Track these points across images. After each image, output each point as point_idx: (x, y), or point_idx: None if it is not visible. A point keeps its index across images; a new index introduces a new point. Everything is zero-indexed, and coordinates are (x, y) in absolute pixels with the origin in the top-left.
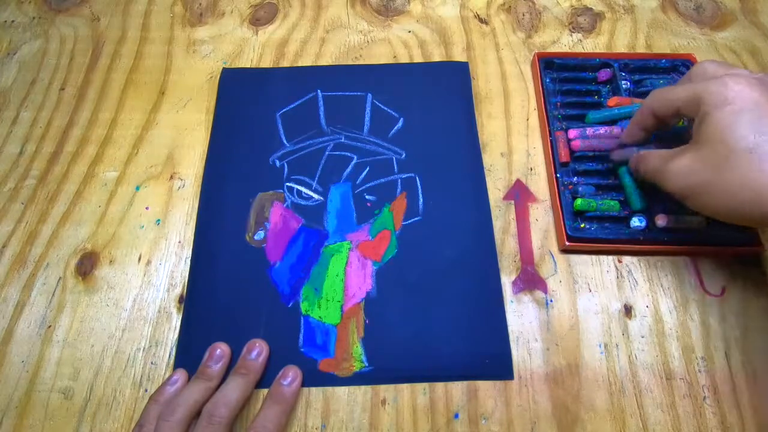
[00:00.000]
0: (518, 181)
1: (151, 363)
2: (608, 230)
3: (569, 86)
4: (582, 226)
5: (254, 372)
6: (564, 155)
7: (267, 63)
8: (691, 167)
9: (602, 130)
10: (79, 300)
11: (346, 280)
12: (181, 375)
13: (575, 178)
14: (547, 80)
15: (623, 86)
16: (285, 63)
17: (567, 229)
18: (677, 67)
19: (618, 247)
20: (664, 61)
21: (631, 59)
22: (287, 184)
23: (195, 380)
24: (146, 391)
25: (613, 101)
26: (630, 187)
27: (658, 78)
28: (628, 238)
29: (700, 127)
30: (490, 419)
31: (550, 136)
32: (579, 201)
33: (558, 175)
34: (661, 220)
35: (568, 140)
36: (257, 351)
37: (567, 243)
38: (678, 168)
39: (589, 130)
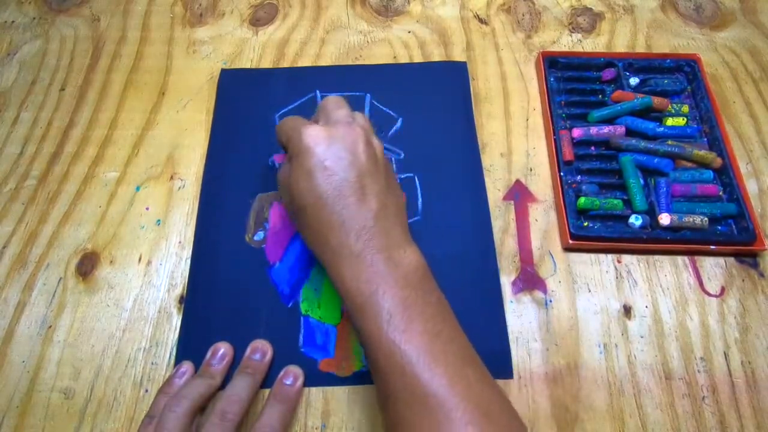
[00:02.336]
0: (518, 181)
1: (152, 363)
2: (611, 229)
3: (573, 85)
4: (585, 224)
5: (260, 372)
6: (568, 154)
7: (267, 63)
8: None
9: (606, 129)
10: (80, 300)
11: None
12: (188, 367)
13: (579, 177)
14: (551, 79)
15: (631, 84)
16: (285, 63)
17: (570, 227)
18: (682, 66)
19: (620, 245)
20: (668, 60)
21: (635, 59)
22: None
23: (199, 377)
24: (147, 391)
25: (616, 95)
26: (634, 186)
27: (662, 77)
28: (630, 237)
29: (291, 162)
30: None
31: (554, 135)
32: (582, 199)
33: (562, 174)
34: (664, 219)
35: (572, 139)
36: (262, 352)
37: (570, 241)
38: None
39: (593, 129)
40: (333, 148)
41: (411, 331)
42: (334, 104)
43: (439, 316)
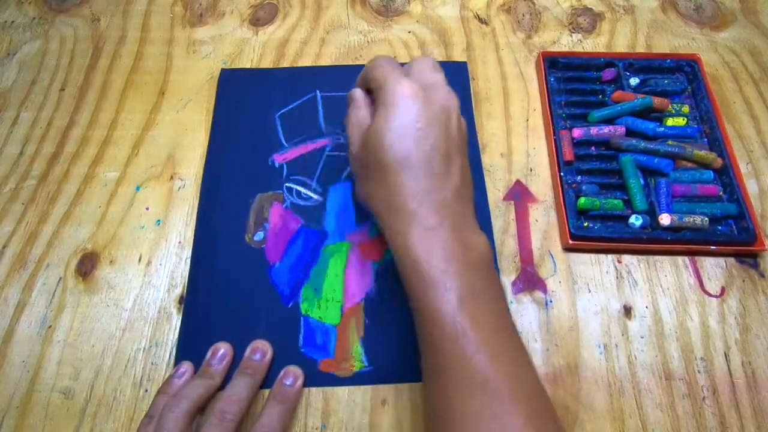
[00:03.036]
0: (518, 181)
1: (152, 363)
2: (611, 229)
3: (573, 85)
4: (585, 224)
5: (260, 373)
6: (568, 154)
7: (267, 63)
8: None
9: (606, 129)
10: (80, 300)
11: (345, 280)
12: (187, 367)
13: (579, 177)
14: (552, 79)
15: (631, 84)
16: (285, 63)
17: (570, 227)
18: (682, 66)
19: (620, 245)
20: (668, 60)
21: (635, 59)
22: (286, 184)
23: (198, 377)
24: (146, 391)
25: (616, 95)
26: (634, 186)
27: (662, 78)
28: (630, 237)
29: (376, 113)
30: None
31: (555, 135)
32: (582, 200)
33: (562, 174)
34: (664, 219)
35: (572, 139)
36: (261, 352)
37: (570, 241)
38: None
39: (594, 129)
40: (430, 110)
41: (478, 319)
42: (432, 67)
43: (503, 307)
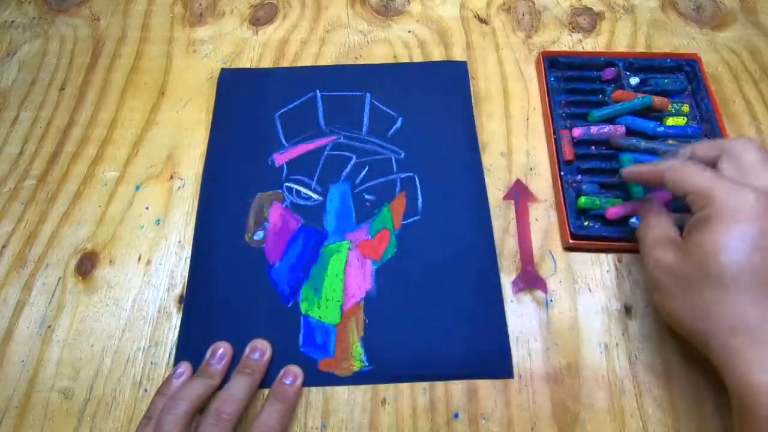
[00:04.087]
0: (518, 181)
1: (151, 363)
2: (612, 228)
3: (573, 85)
4: (586, 224)
5: (259, 372)
6: (568, 153)
7: (267, 63)
8: (667, 270)
9: (606, 128)
10: (79, 300)
11: (345, 279)
12: (186, 368)
13: (579, 177)
14: (552, 79)
15: (632, 83)
16: (285, 63)
17: (571, 227)
18: (682, 66)
19: (621, 245)
20: (668, 60)
21: (635, 58)
22: (286, 184)
23: (198, 377)
24: (146, 391)
25: (616, 94)
26: (635, 186)
27: (663, 77)
28: (631, 237)
29: (700, 225)
30: (490, 419)
31: (555, 134)
32: (583, 199)
33: (562, 174)
34: None
35: (572, 138)
36: (260, 351)
37: (571, 241)
38: (657, 260)
39: (594, 129)
40: None
41: None
42: (759, 161)
43: None
